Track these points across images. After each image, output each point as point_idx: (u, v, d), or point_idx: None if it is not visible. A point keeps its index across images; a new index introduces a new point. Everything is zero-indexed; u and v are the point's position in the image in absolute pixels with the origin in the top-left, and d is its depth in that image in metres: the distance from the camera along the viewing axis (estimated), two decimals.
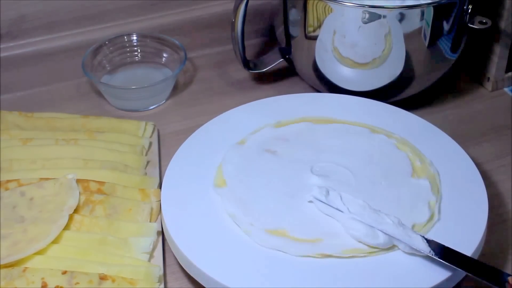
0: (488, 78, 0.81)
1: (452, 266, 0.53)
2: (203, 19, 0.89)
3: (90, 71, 0.80)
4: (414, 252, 0.55)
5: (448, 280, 0.54)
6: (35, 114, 0.75)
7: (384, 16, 0.68)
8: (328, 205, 0.59)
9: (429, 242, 0.55)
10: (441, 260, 0.54)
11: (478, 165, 0.64)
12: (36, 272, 0.56)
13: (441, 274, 0.54)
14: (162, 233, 0.62)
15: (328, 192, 0.60)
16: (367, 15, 0.69)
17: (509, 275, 0.52)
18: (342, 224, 0.58)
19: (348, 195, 0.60)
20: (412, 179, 0.62)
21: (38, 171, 0.66)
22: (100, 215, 0.63)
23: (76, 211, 0.62)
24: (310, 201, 0.60)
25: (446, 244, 0.55)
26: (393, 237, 0.56)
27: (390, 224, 0.56)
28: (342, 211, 0.58)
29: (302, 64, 0.79)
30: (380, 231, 0.56)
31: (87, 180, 0.65)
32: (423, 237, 0.55)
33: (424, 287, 0.53)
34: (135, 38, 0.85)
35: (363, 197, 0.60)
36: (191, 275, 0.57)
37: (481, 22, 0.72)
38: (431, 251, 0.54)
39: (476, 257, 0.56)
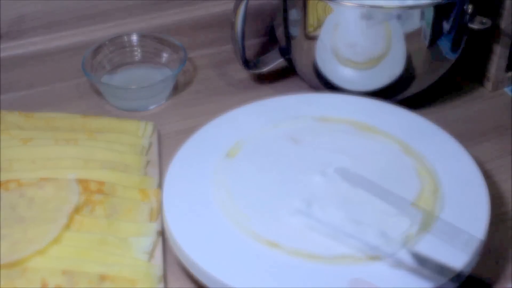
0: (488, 78, 0.81)
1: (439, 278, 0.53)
2: (203, 19, 0.89)
3: (90, 71, 0.80)
4: (397, 265, 0.55)
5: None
6: (35, 114, 0.75)
7: (384, 16, 0.68)
8: (310, 217, 0.58)
9: (414, 255, 0.54)
10: (425, 274, 0.53)
11: (478, 165, 0.64)
12: (36, 272, 0.56)
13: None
14: (162, 233, 0.62)
15: (309, 205, 0.59)
16: (367, 15, 0.69)
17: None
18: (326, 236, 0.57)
19: (331, 208, 0.59)
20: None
21: (38, 171, 0.66)
22: (100, 215, 0.63)
23: (76, 211, 0.62)
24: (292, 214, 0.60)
25: (447, 244, 0.55)
26: (375, 250, 0.55)
27: (371, 236, 0.56)
28: (323, 224, 0.58)
29: (302, 64, 0.79)
30: (362, 243, 0.56)
31: (87, 180, 0.65)
32: (408, 249, 0.55)
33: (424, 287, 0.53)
34: (135, 38, 0.85)
35: (361, 198, 0.60)
36: (193, 274, 0.57)
37: (481, 22, 0.72)
38: (415, 263, 0.54)
39: (476, 258, 0.56)
